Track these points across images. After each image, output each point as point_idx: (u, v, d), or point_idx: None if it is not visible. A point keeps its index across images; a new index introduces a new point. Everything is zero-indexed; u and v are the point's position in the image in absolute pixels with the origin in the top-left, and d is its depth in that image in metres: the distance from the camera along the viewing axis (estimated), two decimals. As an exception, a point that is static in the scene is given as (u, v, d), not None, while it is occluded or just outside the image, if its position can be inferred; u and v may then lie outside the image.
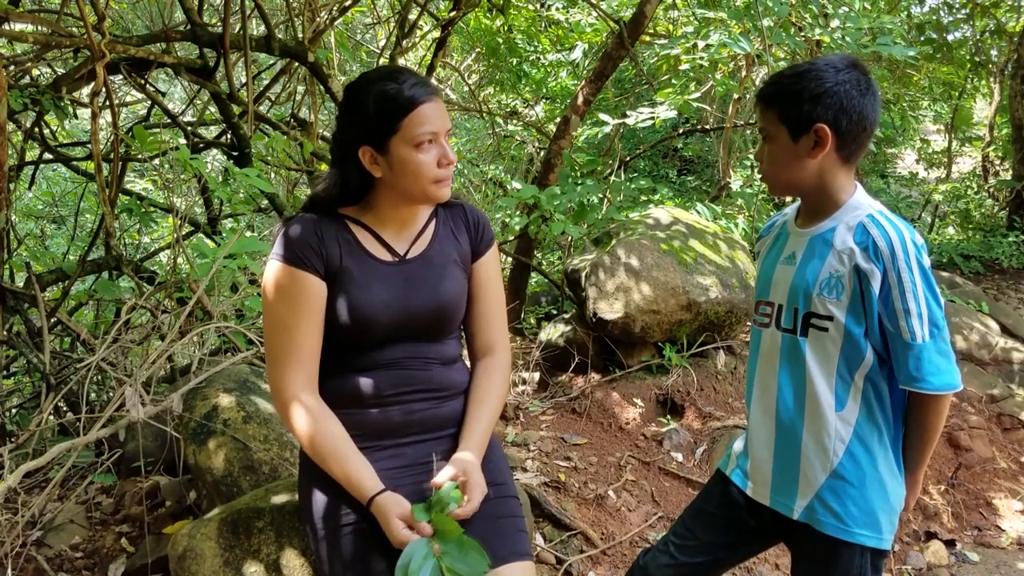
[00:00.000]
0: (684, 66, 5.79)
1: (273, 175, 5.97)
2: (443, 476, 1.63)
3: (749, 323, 4.45)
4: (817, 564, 1.71)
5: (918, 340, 1.54)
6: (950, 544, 3.55)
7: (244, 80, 4.79)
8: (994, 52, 9.74)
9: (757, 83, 7.14)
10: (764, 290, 1.79)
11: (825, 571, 1.68)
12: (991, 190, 9.93)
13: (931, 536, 3.57)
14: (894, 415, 1.67)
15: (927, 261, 1.57)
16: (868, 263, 1.56)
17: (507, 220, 5.74)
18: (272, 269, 1.66)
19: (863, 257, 1.57)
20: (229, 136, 4.95)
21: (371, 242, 1.71)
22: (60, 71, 4.80)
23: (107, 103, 3.94)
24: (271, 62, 6.29)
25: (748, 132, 8.37)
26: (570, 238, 5.60)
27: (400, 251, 1.73)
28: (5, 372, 4.10)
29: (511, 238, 5.65)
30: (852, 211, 1.64)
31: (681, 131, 8.53)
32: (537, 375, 4.40)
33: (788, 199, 7.32)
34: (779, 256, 1.77)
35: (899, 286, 1.54)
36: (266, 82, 5.88)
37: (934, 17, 8.59)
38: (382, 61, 6.66)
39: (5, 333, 3.49)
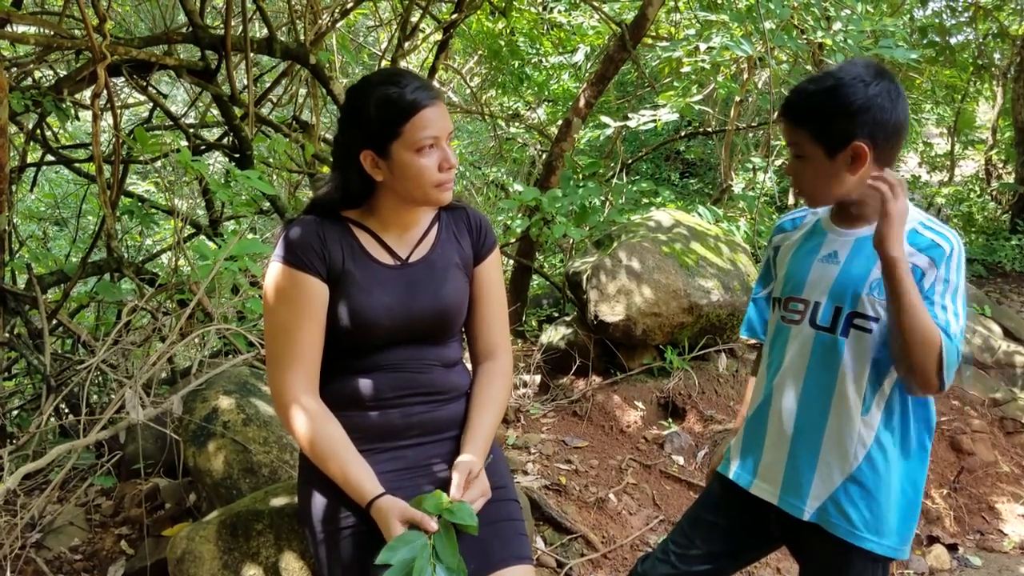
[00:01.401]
0: (686, 68, 5.79)
1: (275, 177, 5.98)
2: (455, 490, 1.61)
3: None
4: (827, 569, 1.69)
5: (951, 333, 1.54)
6: (952, 548, 3.54)
7: (246, 82, 4.79)
8: (997, 55, 9.74)
9: (759, 85, 7.15)
10: (798, 287, 1.76)
11: (838, 560, 1.67)
12: (994, 193, 9.93)
13: (933, 540, 3.55)
14: (916, 425, 1.66)
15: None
16: (928, 263, 1.58)
17: (509, 222, 5.73)
18: (274, 271, 1.65)
19: (923, 258, 1.58)
20: (231, 138, 4.95)
21: (373, 246, 1.71)
22: (62, 73, 4.80)
23: (108, 105, 3.94)
24: (273, 64, 6.29)
25: (750, 135, 8.38)
26: (571, 240, 5.60)
27: (402, 255, 1.73)
28: (6, 374, 4.10)
29: (512, 240, 5.65)
30: None
31: (683, 134, 8.54)
32: (538, 378, 4.40)
33: (791, 203, 7.33)
34: (816, 254, 1.74)
35: (945, 284, 1.57)
36: (268, 84, 5.88)
37: (937, 20, 8.59)
38: (384, 63, 6.67)
39: (6, 335, 3.48)
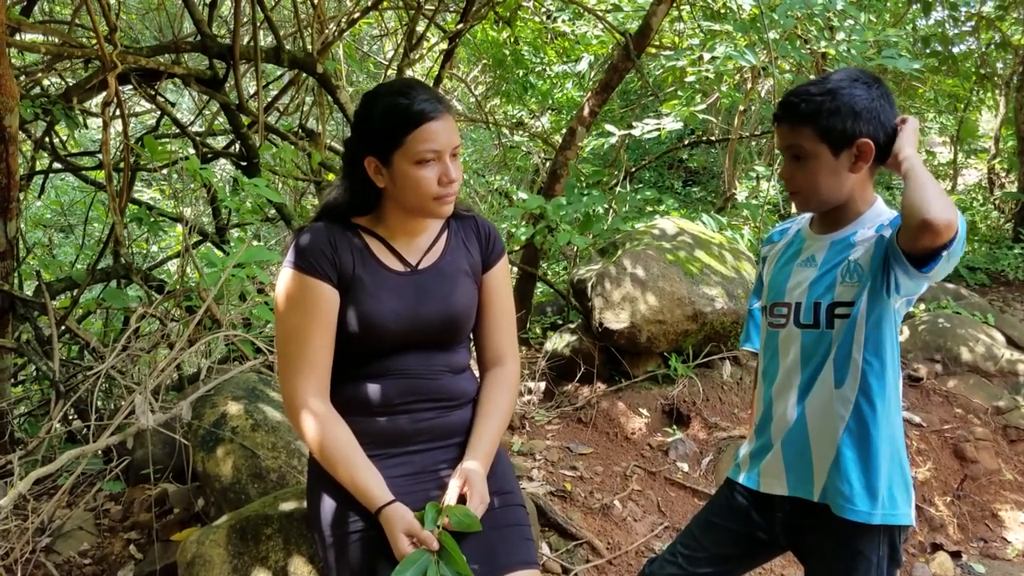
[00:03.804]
0: (690, 78, 5.82)
1: (281, 185, 6.01)
2: (451, 494, 1.64)
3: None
4: (836, 552, 1.71)
5: None
6: (956, 556, 3.54)
7: (253, 91, 4.82)
8: (1000, 65, 9.76)
9: (762, 95, 7.17)
10: (780, 292, 1.81)
11: (845, 551, 1.69)
12: (996, 202, 9.95)
13: (937, 548, 3.56)
14: (888, 385, 1.69)
15: None
16: (888, 229, 1.62)
17: (513, 230, 5.76)
18: (285, 277, 1.67)
19: (884, 230, 1.63)
20: (238, 146, 4.98)
21: (383, 252, 1.73)
22: (70, 81, 4.84)
23: (117, 113, 3.97)
24: (279, 73, 6.33)
25: (753, 143, 8.40)
26: (576, 248, 5.62)
27: (412, 261, 1.75)
28: (14, 380, 4.12)
29: (517, 248, 5.67)
30: (875, 217, 1.70)
31: (687, 142, 8.56)
32: (543, 385, 4.41)
33: (794, 211, 7.34)
34: (796, 259, 1.80)
35: None
36: (275, 93, 5.92)
37: (940, 30, 8.61)
38: (390, 73, 6.71)
39: (15, 341, 3.51)
